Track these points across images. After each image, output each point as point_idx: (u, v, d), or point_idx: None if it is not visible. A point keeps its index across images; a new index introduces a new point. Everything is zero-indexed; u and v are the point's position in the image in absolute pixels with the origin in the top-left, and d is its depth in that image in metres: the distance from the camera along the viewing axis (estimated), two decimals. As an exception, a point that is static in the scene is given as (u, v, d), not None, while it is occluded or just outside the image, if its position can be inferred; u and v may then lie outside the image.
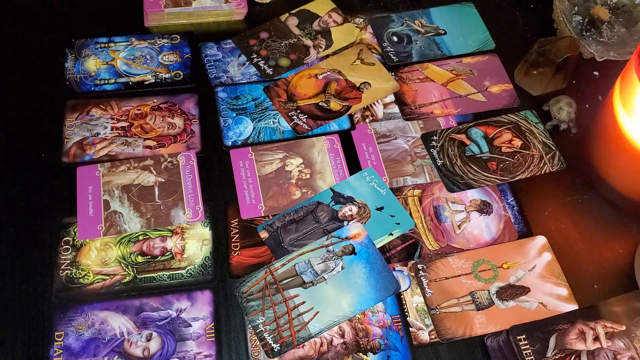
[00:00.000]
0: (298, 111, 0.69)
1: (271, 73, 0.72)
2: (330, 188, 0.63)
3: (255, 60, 0.73)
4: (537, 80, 0.71)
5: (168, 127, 0.66)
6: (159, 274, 0.57)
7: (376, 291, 0.56)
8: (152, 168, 0.63)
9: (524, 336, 0.51)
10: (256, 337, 0.54)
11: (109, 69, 0.70)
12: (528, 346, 0.51)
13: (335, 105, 0.69)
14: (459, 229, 0.62)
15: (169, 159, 0.64)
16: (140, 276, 0.57)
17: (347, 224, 0.60)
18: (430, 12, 0.80)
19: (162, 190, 0.62)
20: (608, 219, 0.63)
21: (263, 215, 0.61)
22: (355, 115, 0.69)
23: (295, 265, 0.57)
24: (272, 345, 0.53)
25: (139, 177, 0.63)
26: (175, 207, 0.61)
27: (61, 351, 0.52)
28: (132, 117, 0.67)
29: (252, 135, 0.67)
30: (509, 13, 0.81)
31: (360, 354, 0.54)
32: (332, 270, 0.57)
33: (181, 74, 0.71)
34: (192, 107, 0.68)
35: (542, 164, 0.66)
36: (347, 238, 0.59)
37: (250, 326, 0.54)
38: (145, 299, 0.55)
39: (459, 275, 0.58)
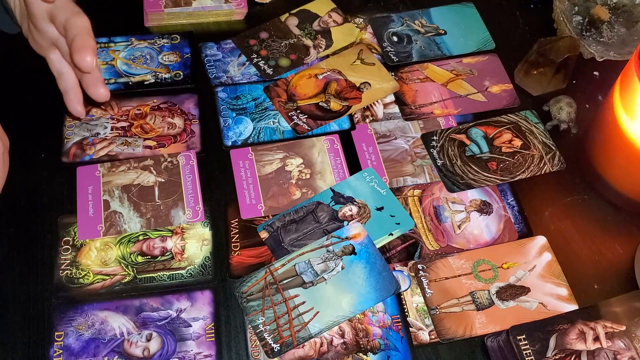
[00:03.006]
0: (298, 111, 0.69)
1: (271, 73, 0.72)
2: (330, 188, 0.63)
3: (255, 60, 0.73)
4: (537, 80, 0.71)
5: (168, 127, 0.66)
6: (159, 274, 0.57)
7: (376, 291, 0.56)
8: (152, 168, 0.63)
9: (524, 336, 0.51)
10: (256, 337, 0.54)
11: (108, 69, 0.70)
12: (528, 346, 0.51)
13: (335, 105, 0.69)
14: (459, 229, 0.62)
15: (169, 159, 0.64)
16: (140, 276, 0.57)
17: (347, 224, 0.60)
18: (430, 12, 0.80)
19: (162, 190, 0.62)
20: (608, 219, 0.64)
21: (263, 215, 0.61)
22: (355, 115, 0.69)
23: (295, 265, 0.57)
24: (272, 345, 0.53)
25: (139, 177, 0.63)
26: (175, 207, 0.61)
27: (61, 351, 0.52)
28: (132, 117, 0.67)
29: (252, 135, 0.67)
30: (509, 13, 0.81)
31: (360, 354, 0.54)
32: (332, 270, 0.57)
33: (181, 74, 0.71)
34: (192, 107, 0.68)
35: (542, 164, 0.66)
36: (347, 238, 0.59)
37: (250, 326, 0.54)
38: (145, 299, 0.55)
39: (459, 275, 0.58)
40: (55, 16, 0.50)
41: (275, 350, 0.53)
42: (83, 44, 0.48)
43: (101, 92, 0.51)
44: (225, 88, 0.70)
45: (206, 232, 0.60)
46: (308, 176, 0.64)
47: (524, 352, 0.50)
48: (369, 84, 0.71)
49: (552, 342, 0.51)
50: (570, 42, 0.69)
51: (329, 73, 0.72)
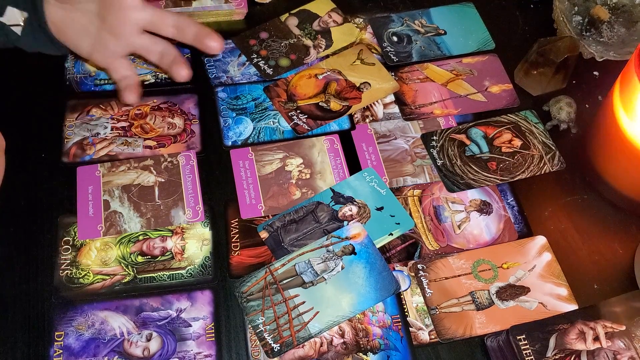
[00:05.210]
0: (298, 111, 0.69)
1: (271, 73, 0.72)
2: (330, 188, 0.63)
3: (255, 60, 0.73)
4: (537, 80, 0.71)
5: (168, 127, 0.66)
6: (159, 274, 0.57)
7: (376, 291, 0.56)
8: (152, 168, 0.63)
9: (524, 336, 0.51)
10: (256, 337, 0.54)
11: (109, 69, 0.70)
12: (528, 346, 0.51)
13: (335, 105, 0.69)
14: (459, 229, 0.62)
15: (169, 159, 0.64)
16: (140, 276, 0.57)
17: (347, 224, 0.60)
18: (430, 12, 0.80)
19: (162, 190, 0.62)
20: (608, 219, 0.64)
21: (263, 215, 0.61)
22: (355, 115, 0.69)
23: (295, 265, 0.57)
24: (272, 345, 0.53)
25: (139, 177, 0.63)
26: (175, 207, 0.61)
27: (61, 351, 0.52)
28: (132, 117, 0.67)
29: (252, 135, 0.67)
30: (509, 13, 0.81)
31: (360, 354, 0.54)
32: (332, 270, 0.57)
33: (181, 74, 0.71)
34: (192, 107, 0.68)
35: (542, 164, 0.66)
36: (347, 238, 0.59)
37: (250, 326, 0.54)
38: (145, 299, 0.55)
39: (459, 275, 0.58)
40: (164, 22, 0.56)
41: (275, 350, 0.53)
42: (207, 33, 0.56)
43: (184, 72, 0.57)
44: (225, 88, 0.70)
45: (206, 232, 0.60)
46: (308, 176, 0.64)
47: (524, 352, 0.50)
48: (369, 84, 0.71)
49: (552, 342, 0.51)
50: (570, 42, 0.69)
51: (329, 73, 0.72)
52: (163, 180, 0.63)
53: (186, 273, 0.57)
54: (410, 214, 0.62)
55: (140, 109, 0.68)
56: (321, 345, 0.54)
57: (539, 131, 0.68)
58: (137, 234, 0.59)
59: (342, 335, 0.54)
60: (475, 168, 0.65)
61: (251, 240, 0.60)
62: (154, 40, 0.57)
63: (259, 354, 0.53)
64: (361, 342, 0.54)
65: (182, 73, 0.57)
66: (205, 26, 0.56)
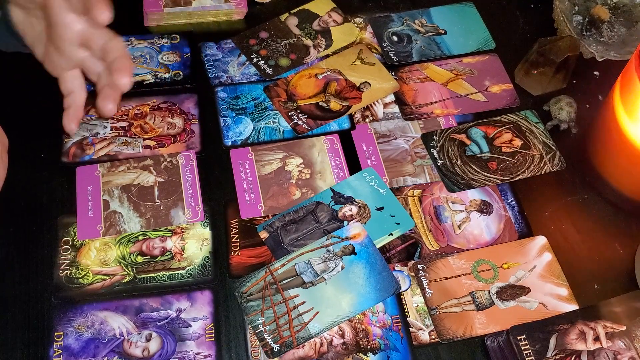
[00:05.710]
0: (298, 111, 0.69)
1: (271, 73, 0.72)
2: (330, 188, 0.63)
3: (255, 60, 0.73)
4: (537, 80, 0.71)
5: (168, 127, 0.66)
6: (159, 274, 0.57)
7: (376, 291, 0.56)
8: (151, 168, 0.63)
9: (524, 336, 0.51)
10: (256, 338, 0.54)
11: (108, 69, 0.70)
12: (528, 346, 0.51)
13: (335, 105, 0.69)
14: (459, 229, 0.62)
15: (169, 159, 0.64)
16: (140, 276, 0.57)
17: (347, 224, 0.60)
18: (430, 11, 0.80)
19: (161, 190, 0.62)
20: (608, 219, 0.63)
21: (263, 215, 0.61)
22: (355, 115, 0.69)
23: (295, 265, 0.57)
24: (272, 345, 0.53)
25: (138, 177, 0.63)
26: (175, 207, 0.61)
27: (61, 351, 0.52)
28: (132, 117, 0.67)
29: (252, 135, 0.67)
30: (509, 13, 0.81)
31: (360, 354, 0.54)
32: (332, 270, 0.57)
33: (181, 73, 0.71)
34: (192, 107, 0.68)
35: (542, 164, 0.66)
36: (347, 238, 0.59)
37: (250, 326, 0.54)
38: (145, 299, 0.55)
39: (459, 275, 0.58)
40: (92, 41, 0.53)
41: (275, 350, 0.53)
42: (123, 66, 0.51)
43: (109, 108, 0.53)
44: (225, 88, 0.70)
45: (206, 232, 0.60)
46: (308, 176, 0.64)
47: (524, 352, 0.50)
48: (369, 84, 0.71)
49: (552, 342, 0.51)
50: (570, 42, 0.69)
51: (329, 73, 0.72)
52: (163, 180, 0.63)
53: (186, 273, 0.57)
54: (411, 214, 0.62)
55: (139, 109, 0.68)
56: (321, 346, 0.54)
57: (539, 131, 0.68)
58: (137, 234, 0.59)
59: (342, 336, 0.54)
60: (475, 168, 0.65)
61: (251, 240, 0.60)
62: (94, 60, 0.54)
63: (258, 354, 0.53)
64: (361, 343, 0.54)
65: (107, 107, 0.52)
66: (128, 59, 0.52)
